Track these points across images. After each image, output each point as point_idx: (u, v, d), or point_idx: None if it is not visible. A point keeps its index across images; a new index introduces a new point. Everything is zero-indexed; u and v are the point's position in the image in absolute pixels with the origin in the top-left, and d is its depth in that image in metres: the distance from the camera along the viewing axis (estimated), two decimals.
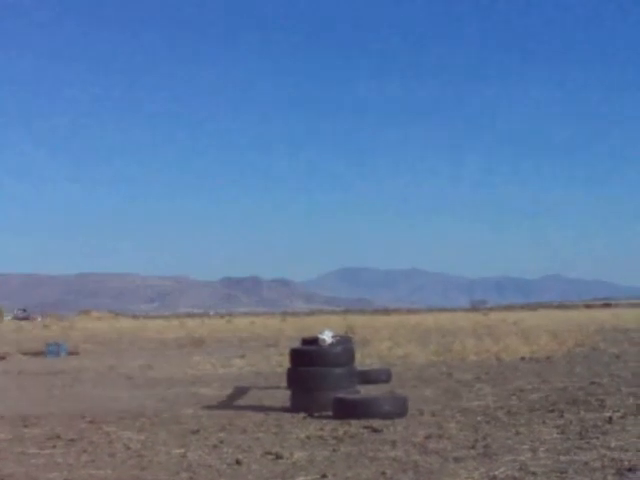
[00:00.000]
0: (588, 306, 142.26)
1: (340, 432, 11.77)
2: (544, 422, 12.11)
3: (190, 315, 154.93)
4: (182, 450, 10.67)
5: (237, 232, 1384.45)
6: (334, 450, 10.45)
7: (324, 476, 8.91)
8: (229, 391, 17.72)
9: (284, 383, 15.49)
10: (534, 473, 8.70)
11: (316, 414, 13.56)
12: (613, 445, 10.13)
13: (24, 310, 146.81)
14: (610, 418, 12.23)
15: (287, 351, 16.29)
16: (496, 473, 8.72)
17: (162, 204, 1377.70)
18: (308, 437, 11.50)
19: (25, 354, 33.28)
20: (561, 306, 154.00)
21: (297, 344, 16.36)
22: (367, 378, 17.53)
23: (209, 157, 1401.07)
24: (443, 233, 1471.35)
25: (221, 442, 11.23)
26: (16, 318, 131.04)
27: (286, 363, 16.47)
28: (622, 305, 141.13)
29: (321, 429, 12.13)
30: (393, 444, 10.71)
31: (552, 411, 13.20)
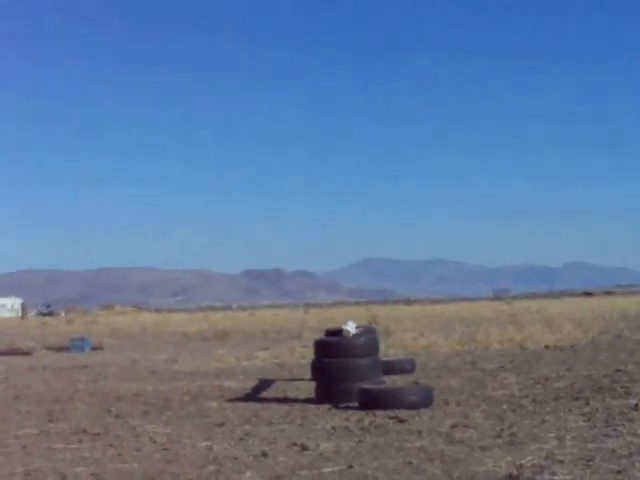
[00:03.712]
0: (587, 294, 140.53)
1: (366, 423, 11.76)
2: (570, 410, 12.06)
3: (213, 308, 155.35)
4: (208, 443, 10.68)
5: (258, 225, 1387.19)
6: (360, 441, 10.44)
7: (350, 467, 8.89)
8: (254, 383, 17.71)
9: (308, 375, 15.48)
10: (561, 461, 8.66)
11: (341, 405, 13.54)
12: None
13: (48, 306, 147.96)
14: (636, 405, 12.16)
15: (311, 343, 16.30)
16: (523, 462, 8.68)
17: (184, 198, 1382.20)
18: (334, 428, 11.49)
19: (50, 349, 33.49)
20: (583, 294, 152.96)
21: (321, 335, 16.33)
22: (391, 368, 17.49)
23: (230, 150, 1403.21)
24: (464, 223, 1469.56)
25: (247, 434, 11.24)
26: (40, 314, 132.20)
27: (310, 355, 16.47)
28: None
29: (346, 420, 12.13)
30: (419, 434, 10.69)
31: (578, 399, 13.14)
